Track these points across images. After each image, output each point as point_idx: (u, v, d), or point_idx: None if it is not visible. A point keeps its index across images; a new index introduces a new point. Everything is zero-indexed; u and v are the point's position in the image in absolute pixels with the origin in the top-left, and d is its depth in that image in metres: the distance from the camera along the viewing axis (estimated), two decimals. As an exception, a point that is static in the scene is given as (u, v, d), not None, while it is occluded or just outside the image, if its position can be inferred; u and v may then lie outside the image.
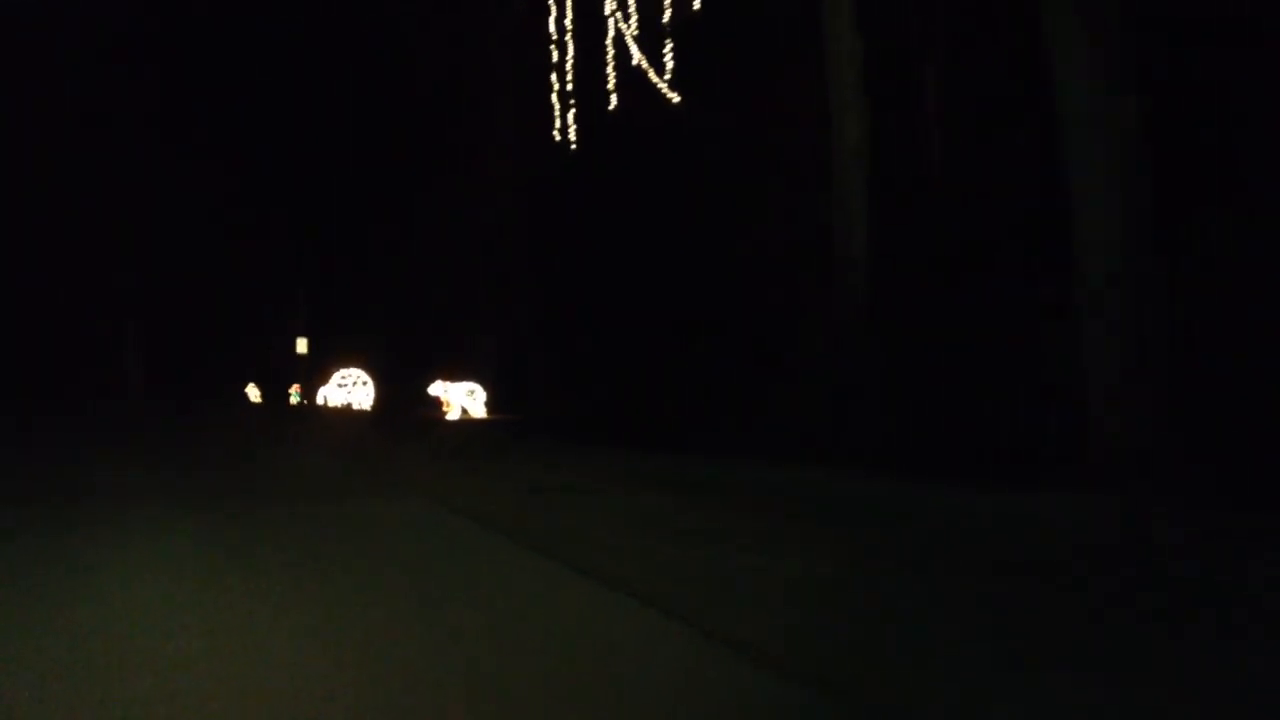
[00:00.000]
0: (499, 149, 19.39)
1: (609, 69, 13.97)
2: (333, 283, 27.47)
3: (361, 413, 24.22)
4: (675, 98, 12.81)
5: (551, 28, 15.73)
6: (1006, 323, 7.86)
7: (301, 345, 24.13)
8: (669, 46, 12.69)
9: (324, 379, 26.27)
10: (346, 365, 26.37)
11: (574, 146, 15.31)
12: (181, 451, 11.92)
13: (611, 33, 13.91)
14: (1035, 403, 7.46)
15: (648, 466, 8.85)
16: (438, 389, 24.16)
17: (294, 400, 27.47)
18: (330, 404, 25.87)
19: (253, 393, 29.30)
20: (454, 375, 24.65)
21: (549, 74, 15.95)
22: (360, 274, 27.74)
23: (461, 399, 24.51)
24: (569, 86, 15.49)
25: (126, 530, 5.44)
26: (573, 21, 15.25)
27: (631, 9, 13.47)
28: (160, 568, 4.38)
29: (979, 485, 6.63)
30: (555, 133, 15.78)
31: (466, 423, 22.54)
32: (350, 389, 26.22)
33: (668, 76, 12.81)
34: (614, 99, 13.97)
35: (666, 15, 12.61)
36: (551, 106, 15.94)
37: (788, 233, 10.53)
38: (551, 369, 16.37)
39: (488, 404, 24.50)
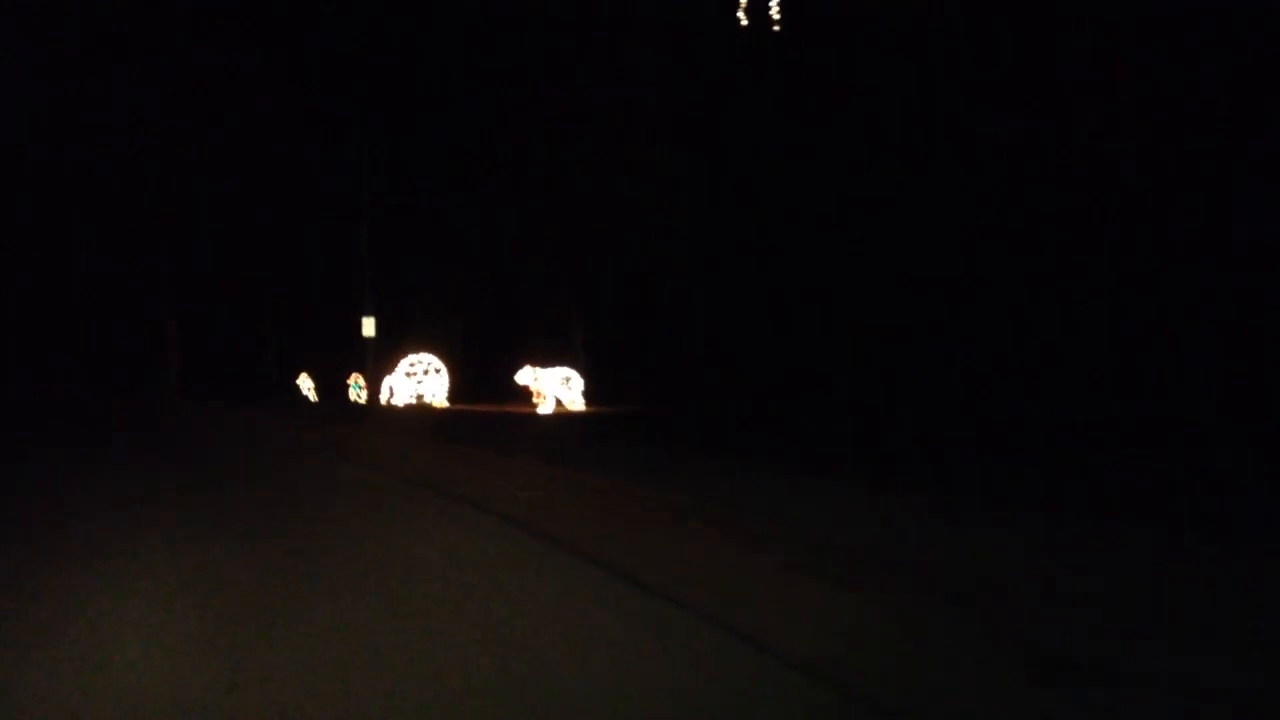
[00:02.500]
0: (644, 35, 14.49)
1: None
2: (399, 248, 22.97)
3: (443, 412, 19.69)
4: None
5: None
6: None
7: (368, 326, 19.58)
8: None
9: (389, 366, 21.75)
10: (415, 350, 21.89)
11: (776, 28, 10.47)
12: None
13: None
14: None
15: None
16: (526, 376, 19.82)
17: (355, 393, 23.01)
18: (396, 398, 21.36)
19: (305, 384, 24.79)
20: (545, 360, 20.22)
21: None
22: (433, 241, 23.31)
23: (555, 388, 20.08)
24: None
25: None
26: None
27: None
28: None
29: None
30: (740, 14, 10.93)
31: (566, 418, 18.06)
32: (420, 378, 21.75)
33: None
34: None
35: None
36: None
37: None
38: (718, 352, 11.66)
39: (585, 394, 20.11)
